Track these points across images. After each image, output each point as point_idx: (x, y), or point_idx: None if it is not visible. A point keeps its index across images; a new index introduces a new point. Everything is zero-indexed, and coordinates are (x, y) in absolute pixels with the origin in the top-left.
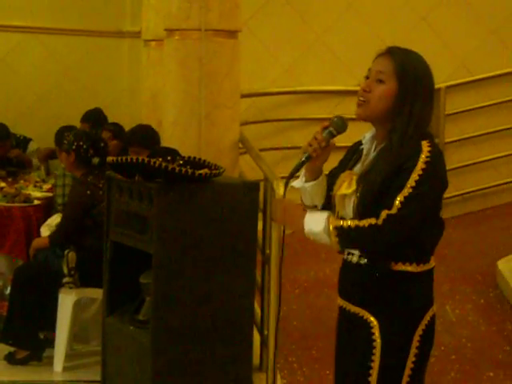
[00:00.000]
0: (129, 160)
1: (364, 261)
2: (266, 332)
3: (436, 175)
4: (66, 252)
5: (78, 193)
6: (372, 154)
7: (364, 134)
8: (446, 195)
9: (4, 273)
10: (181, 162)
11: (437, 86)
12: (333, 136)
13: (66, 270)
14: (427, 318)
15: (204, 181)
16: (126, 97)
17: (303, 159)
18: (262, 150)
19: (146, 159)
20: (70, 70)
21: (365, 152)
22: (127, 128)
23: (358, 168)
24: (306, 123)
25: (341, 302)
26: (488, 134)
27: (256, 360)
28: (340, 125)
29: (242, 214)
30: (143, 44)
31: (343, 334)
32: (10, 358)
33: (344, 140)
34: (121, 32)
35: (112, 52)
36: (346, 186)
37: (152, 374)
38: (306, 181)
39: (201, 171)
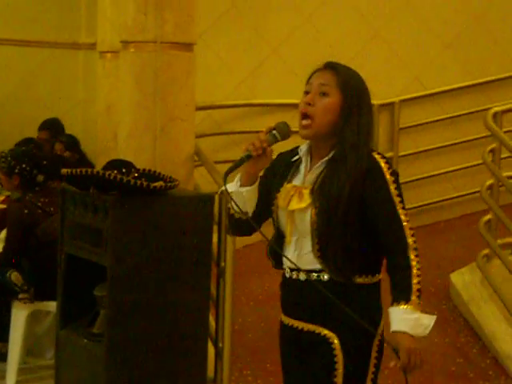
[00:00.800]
0: (83, 172)
1: (314, 277)
2: (220, 344)
3: (398, 181)
4: (7, 275)
5: (16, 212)
6: (317, 167)
7: (300, 146)
8: None
9: None
10: (136, 174)
11: (391, 100)
12: (276, 140)
13: (17, 289)
14: (381, 327)
15: (159, 193)
16: (81, 108)
17: (243, 157)
18: (217, 162)
19: (101, 171)
20: (25, 80)
21: (304, 164)
22: (81, 139)
23: (298, 181)
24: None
25: (289, 320)
26: (442, 147)
27: (210, 373)
28: (285, 131)
29: (196, 227)
30: (98, 56)
31: (294, 353)
32: None
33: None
34: (76, 43)
35: (67, 63)
36: (297, 201)
37: None
38: (242, 185)
39: (156, 184)
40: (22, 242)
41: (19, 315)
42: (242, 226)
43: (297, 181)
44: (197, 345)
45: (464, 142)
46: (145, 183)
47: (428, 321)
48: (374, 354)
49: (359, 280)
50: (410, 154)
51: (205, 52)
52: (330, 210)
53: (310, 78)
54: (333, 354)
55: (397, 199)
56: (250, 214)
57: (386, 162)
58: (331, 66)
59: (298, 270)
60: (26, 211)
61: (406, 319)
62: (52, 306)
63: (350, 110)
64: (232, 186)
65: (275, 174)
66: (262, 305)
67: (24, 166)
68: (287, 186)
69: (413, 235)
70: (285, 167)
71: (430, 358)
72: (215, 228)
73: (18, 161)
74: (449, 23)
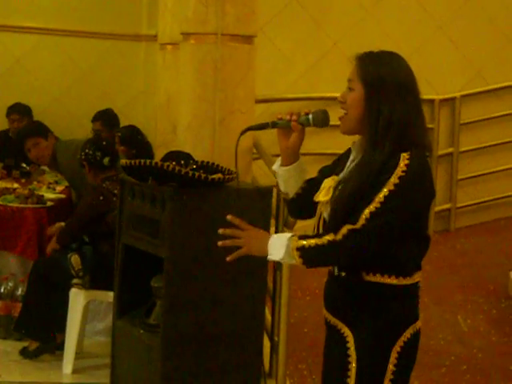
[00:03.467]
0: (142, 163)
1: (341, 272)
2: (276, 338)
3: (410, 190)
4: (68, 256)
5: (91, 197)
6: (354, 163)
7: (354, 140)
8: (460, 204)
9: (15, 274)
10: (194, 166)
11: (452, 95)
12: (308, 123)
13: (73, 272)
14: (407, 334)
15: (217, 185)
16: (141, 100)
17: (268, 122)
18: (275, 155)
19: (160, 163)
20: (86, 72)
21: (351, 158)
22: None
23: (341, 175)
24: (320, 129)
25: (325, 313)
26: (504, 143)
27: (266, 366)
28: (320, 118)
29: (254, 220)
30: (159, 47)
31: (326, 346)
32: (24, 352)
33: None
34: (137, 35)
35: (128, 55)
36: (324, 193)
37: (161, 378)
38: (281, 165)
39: (214, 176)
40: (88, 227)
41: (76, 303)
42: (291, 206)
43: (340, 174)
44: (252, 338)
45: None
46: (203, 175)
47: (276, 258)
48: (392, 361)
49: (376, 279)
50: (471, 150)
51: (265, 45)
52: (336, 208)
53: None
54: (347, 354)
55: (380, 199)
56: (292, 194)
57: (407, 165)
58: (357, 58)
59: None
60: (101, 198)
61: (280, 238)
62: (108, 295)
63: (370, 98)
64: (275, 165)
65: (337, 165)
66: (319, 299)
67: (87, 150)
68: (329, 178)
69: (364, 225)
70: (345, 158)
71: (488, 357)
72: (272, 222)
73: (82, 149)
74: None
